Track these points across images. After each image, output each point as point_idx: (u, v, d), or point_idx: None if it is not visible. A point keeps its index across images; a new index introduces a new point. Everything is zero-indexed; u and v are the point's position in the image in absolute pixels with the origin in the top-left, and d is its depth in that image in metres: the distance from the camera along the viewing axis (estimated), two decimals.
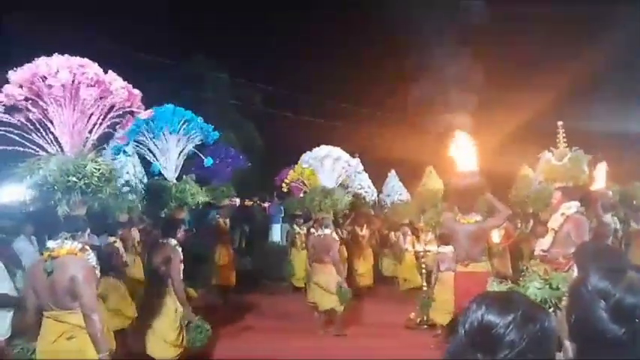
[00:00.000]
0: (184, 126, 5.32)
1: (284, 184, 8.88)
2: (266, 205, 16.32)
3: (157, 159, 5.40)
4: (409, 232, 10.01)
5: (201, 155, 5.60)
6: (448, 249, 6.69)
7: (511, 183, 9.50)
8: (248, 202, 15.38)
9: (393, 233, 10.93)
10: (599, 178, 7.21)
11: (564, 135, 5.89)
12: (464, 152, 5.67)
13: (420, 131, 14.57)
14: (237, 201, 12.69)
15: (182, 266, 5.07)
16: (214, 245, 9.59)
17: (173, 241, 5.09)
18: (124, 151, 5.62)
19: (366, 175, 12.66)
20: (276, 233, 14.69)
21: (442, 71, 9.87)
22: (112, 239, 6.02)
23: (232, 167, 9.92)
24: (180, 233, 5.23)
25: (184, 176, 5.49)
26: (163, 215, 5.44)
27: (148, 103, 5.21)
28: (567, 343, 1.81)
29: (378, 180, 12.88)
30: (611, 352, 1.07)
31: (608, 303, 1.08)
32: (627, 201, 8.77)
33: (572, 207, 5.15)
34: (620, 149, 10.74)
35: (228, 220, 9.99)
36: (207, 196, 5.88)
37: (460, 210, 5.58)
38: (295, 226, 10.67)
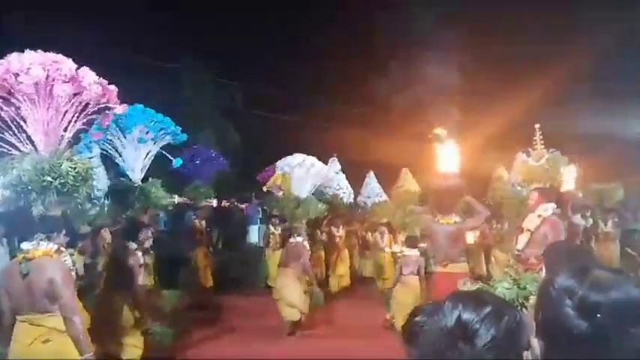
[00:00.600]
0: (152, 126, 5.25)
1: (264, 188, 8.88)
2: (244, 206, 16.27)
3: (122, 159, 5.32)
4: (387, 232, 10.09)
5: (169, 156, 5.51)
6: (414, 252, 6.75)
7: (488, 184, 9.65)
8: (226, 203, 15.30)
9: (370, 234, 11.01)
10: (569, 180, 7.40)
11: (541, 137, 6.02)
12: (445, 154, 5.73)
13: (399, 133, 14.73)
14: (215, 202, 12.63)
15: (142, 270, 4.99)
16: (190, 247, 9.53)
17: (133, 245, 5.00)
18: (89, 148, 5.52)
19: (344, 176, 12.76)
20: (254, 234, 14.62)
21: (421, 73, 9.97)
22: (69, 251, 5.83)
23: (212, 169, 9.87)
24: (144, 236, 5.14)
25: (150, 179, 5.41)
26: (125, 218, 5.35)
27: (129, 103, 5.16)
28: (534, 342, 1.88)
29: (358, 181, 12.98)
30: (576, 347, 1.12)
31: (574, 300, 1.13)
32: (599, 202, 8.97)
33: (549, 209, 5.24)
34: (592, 151, 10.98)
35: (204, 222, 9.93)
36: (173, 199, 5.79)
37: (440, 211, 5.60)
38: (271, 227, 10.65)
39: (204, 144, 15.45)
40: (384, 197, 11.75)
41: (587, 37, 13.00)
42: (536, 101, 11.79)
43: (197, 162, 9.79)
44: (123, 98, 4.13)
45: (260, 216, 14.68)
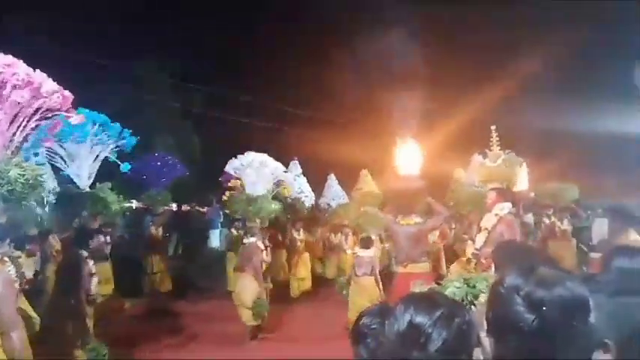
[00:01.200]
0: (99, 131, 5.11)
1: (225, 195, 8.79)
2: (205, 209, 16.06)
3: (67, 165, 5.16)
4: (351, 234, 10.12)
5: (117, 161, 5.37)
6: (367, 253, 6.78)
7: (446, 185, 9.82)
8: (186, 207, 15.06)
9: (333, 235, 11.06)
10: (522, 180, 7.61)
11: (497, 138, 6.17)
12: (406, 156, 5.77)
13: (359, 135, 14.85)
14: (174, 206, 12.43)
15: (93, 279, 4.88)
16: (148, 253, 9.36)
17: (84, 253, 4.88)
18: (35, 154, 5.33)
19: (305, 179, 12.76)
20: (215, 238, 14.47)
21: (380, 76, 10.08)
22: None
23: (170, 176, 9.71)
24: (95, 244, 5.02)
25: (98, 184, 5.26)
26: (75, 225, 5.19)
27: (82, 105, 5.00)
28: (485, 339, 1.94)
29: (321, 184, 13.00)
30: (525, 342, 1.16)
31: (521, 297, 1.18)
32: (554, 201, 9.15)
33: (505, 208, 5.37)
34: (548, 151, 11.31)
35: (161, 229, 9.76)
36: (131, 204, 5.65)
37: (401, 212, 5.64)
38: (233, 230, 10.55)
39: (161, 147, 15.19)
40: (347, 199, 11.82)
41: (543, 38, 13.46)
42: (494, 102, 12.07)
43: (154, 169, 9.61)
44: (80, 102, 4.00)
45: (221, 220, 14.53)
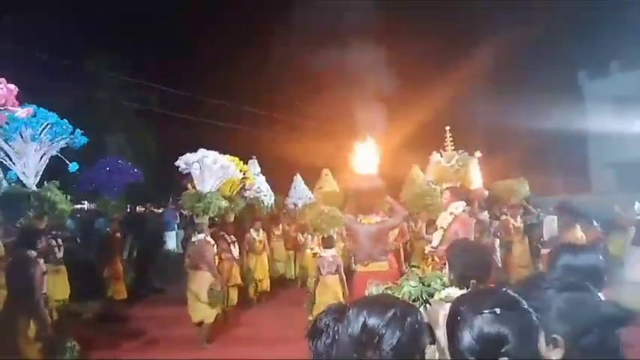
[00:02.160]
0: (47, 129, 4.93)
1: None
2: (160, 211, 15.69)
3: (13, 163, 4.94)
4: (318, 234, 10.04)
5: (66, 160, 5.18)
6: (329, 253, 6.82)
7: (402, 184, 9.94)
8: (140, 209, 14.66)
9: (300, 235, 11.02)
10: (476, 178, 7.79)
11: (451, 138, 6.28)
12: (365, 156, 5.78)
13: (321, 135, 14.88)
14: (128, 207, 12.07)
15: (46, 279, 4.74)
16: (102, 256, 9.10)
17: (33, 253, 4.70)
18: None
19: (264, 178, 12.65)
20: (172, 241, 14.16)
21: (340, 76, 10.12)
22: None
23: (123, 181, 9.43)
24: (44, 244, 4.87)
25: (45, 182, 5.05)
26: (19, 225, 4.97)
27: (26, 102, 4.78)
28: (441, 337, 1.96)
29: (284, 183, 12.93)
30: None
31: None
32: (505, 198, 9.37)
33: (460, 206, 5.48)
34: (495, 149, 11.63)
35: (119, 233, 9.50)
36: (72, 206, 5.44)
37: (361, 211, 5.66)
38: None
39: (114, 146, 14.76)
40: (313, 199, 11.80)
41: (493, 40, 13.86)
42: (448, 101, 12.33)
43: (104, 176, 9.29)
44: (21, 98, 3.83)
45: (178, 221, 14.24)
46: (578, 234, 6.33)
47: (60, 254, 8.29)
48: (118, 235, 9.46)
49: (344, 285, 6.77)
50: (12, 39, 11.92)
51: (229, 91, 18.43)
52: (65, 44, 14.75)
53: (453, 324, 1.28)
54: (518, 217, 8.90)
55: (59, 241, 8.42)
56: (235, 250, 8.77)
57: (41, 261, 4.74)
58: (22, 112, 4.45)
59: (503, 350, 1.19)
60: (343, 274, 6.85)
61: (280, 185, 13.02)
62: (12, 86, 4.04)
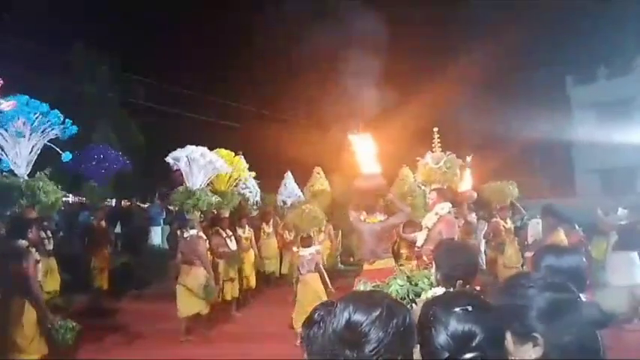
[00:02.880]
0: (39, 119, 4.92)
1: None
2: (146, 205, 15.58)
3: (5, 153, 4.92)
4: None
5: (58, 149, 5.16)
6: (308, 251, 6.85)
7: (392, 183, 9.97)
8: (126, 203, 14.53)
9: (287, 232, 10.99)
10: (466, 180, 7.84)
11: (439, 140, 6.31)
12: (366, 154, 5.77)
13: (313, 132, 14.88)
14: (113, 201, 11.97)
15: (39, 267, 4.76)
16: (89, 248, 9.12)
17: (24, 243, 4.70)
18: None
19: (250, 174, 12.59)
20: (157, 236, 14.05)
21: (334, 73, 10.13)
22: None
23: (112, 169, 9.36)
24: (34, 234, 4.85)
25: (38, 172, 5.03)
26: (10, 214, 4.94)
27: (15, 93, 4.72)
28: None
29: (272, 180, 12.87)
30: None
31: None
32: (495, 200, 9.41)
33: (445, 208, 5.51)
34: (486, 152, 11.70)
35: (104, 222, 9.42)
36: (68, 198, 5.44)
37: (364, 210, 5.67)
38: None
39: (102, 140, 14.58)
40: (302, 197, 11.78)
41: (481, 45, 13.97)
42: (437, 105, 12.41)
43: (95, 160, 9.23)
44: (8, 88, 3.79)
45: (164, 216, 14.13)
46: (561, 237, 6.42)
47: (50, 246, 8.29)
48: (104, 224, 9.39)
49: (325, 281, 6.82)
50: None
51: (219, 87, 18.36)
52: (53, 35, 14.57)
53: (426, 324, 1.30)
54: (508, 218, 8.94)
55: (49, 232, 8.39)
56: (232, 244, 8.76)
57: (33, 250, 4.74)
58: (5, 106, 4.40)
59: (473, 345, 1.22)
60: (323, 270, 6.89)
61: (272, 183, 12.95)
62: None
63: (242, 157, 12.52)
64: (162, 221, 14.17)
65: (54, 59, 14.47)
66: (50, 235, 8.44)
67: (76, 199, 10.20)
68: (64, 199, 5.17)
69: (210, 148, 8.19)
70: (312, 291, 6.57)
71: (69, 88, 15.21)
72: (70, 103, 15.77)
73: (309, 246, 6.94)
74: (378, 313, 1.25)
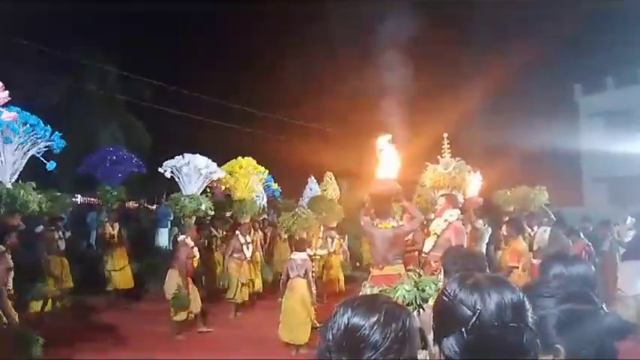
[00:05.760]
0: (25, 130, 5.03)
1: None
2: (153, 207, 15.65)
3: None
4: (315, 235, 9.98)
5: (44, 160, 5.24)
6: (300, 256, 6.85)
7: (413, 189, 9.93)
8: (133, 204, 14.60)
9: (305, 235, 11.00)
10: (473, 186, 7.82)
11: (449, 146, 6.28)
12: (386, 159, 5.73)
13: (322, 137, 14.89)
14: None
15: (11, 274, 4.90)
16: (104, 250, 9.36)
17: (1, 248, 4.87)
18: None
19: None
20: (164, 238, 14.11)
21: (358, 79, 10.15)
22: None
23: (125, 170, 9.44)
24: (13, 239, 5.06)
25: (19, 182, 5.13)
26: None
27: (21, 93, 4.76)
28: (432, 342, 1.96)
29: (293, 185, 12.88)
30: (467, 346, 1.18)
31: (458, 302, 1.20)
32: (520, 206, 9.29)
33: (454, 214, 5.49)
34: (494, 160, 11.67)
35: (117, 224, 9.54)
36: (45, 204, 5.52)
37: (378, 215, 5.61)
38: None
39: (109, 140, 14.66)
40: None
41: (490, 55, 13.98)
42: (447, 113, 12.40)
43: (109, 164, 9.32)
44: (17, 89, 3.84)
45: (171, 218, 14.17)
46: (565, 243, 6.39)
47: (63, 246, 8.43)
48: (117, 226, 9.50)
49: (311, 289, 6.82)
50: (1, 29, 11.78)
51: (231, 91, 18.40)
52: (59, 35, 14.62)
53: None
54: (535, 226, 8.69)
55: (61, 233, 8.52)
56: (248, 252, 8.93)
57: (8, 257, 4.89)
58: (7, 116, 4.46)
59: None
60: (311, 279, 6.89)
61: (292, 188, 12.93)
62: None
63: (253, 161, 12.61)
64: (169, 223, 14.23)
65: (61, 60, 14.52)
66: (62, 236, 8.58)
67: (85, 199, 10.27)
68: (72, 199, 5.22)
69: (219, 151, 8.30)
70: (298, 295, 6.57)
71: (76, 88, 15.30)
72: (78, 103, 15.92)
73: (302, 250, 6.95)
74: (377, 316, 1.23)
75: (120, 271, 9.38)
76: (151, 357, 6.27)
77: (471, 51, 14.65)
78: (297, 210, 7.30)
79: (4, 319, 4.65)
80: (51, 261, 8.27)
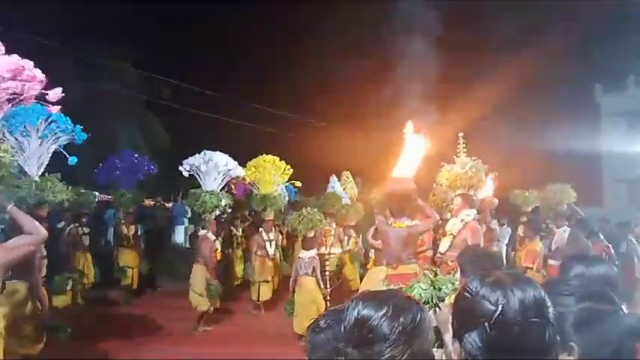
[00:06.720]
0: (48, 125, 5.15)
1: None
2: (170, 205, 15.79)
3: (19, 156, 5.12)
4: (331, 234, 9.99)
5: (66, 154, 5.34)
6: (308, 254, 6.91)
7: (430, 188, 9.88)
8: (150, 202, 14.73)
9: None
10: (488, 187, 7.75)
11: (464, 145, 6.20)
12: (408, 157, 5.69)
13: (338, 135, 14.86)
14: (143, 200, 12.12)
15: (44, 263, 5.11)
16: (120, 247, 9.50)
17: None
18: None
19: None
20: (180, 235, 14.25)
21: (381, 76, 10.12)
22: None
23: (138, 174, 9.55)
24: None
25: (47, 174, 5.25)
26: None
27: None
28: (448, 341, 1.93)
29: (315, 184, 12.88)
30: (488, 342, 1.16)
31: (480, 298, 1.19)
32: (546, 205, 9.18)
33: (471, 214, 5.42)
34: (514, 160, 11.55)
35: (133, 226, 9.65)
36: (72, 196, 5.64)
37: (392, 214, 5.58)
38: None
39: (128, 139, 14.79)
40: (348, 200, 11.74)
41: (510, 54, 13.83)
42: (465, 112, 12.29)
43: (122, 169, 9.43)
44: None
45: (189, 215, 14.31)
46: (586, 246, 6.29)
47: (87, 242, 8.62)
48: (133, 228, 9.63)
49: (320, 286, 6.88)
50: (8, 22, 11.93)
51: (250, 90, 18.43)
52: (75, 30, 14.78)
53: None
54: (562, 223, 8.49)
55: (85, 229, 8.70)
56: (271, 249, 9.05)
57: (42, 245, 4.89)
58: (54, 109, 4.54)
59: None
60: (319, 276, 6.93)
61: (312, 187, 12.92)
62: (39, 74, 4.03)
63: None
64: (186, 220, 14.36)
65: (77, 58, 14.71)
66: (86, 232, 8.75)
67: (102, 197, 10.39)
68: (68, 194, 5.37)
69: (238, 150, 8.40)
70: (307, 292, 6.68)
71: (93, 87, 15.47)
72: (95, 102, 16.09)
73: (310, 249, 7.01)
74: (386, 309, 1.25)
75: (132, 270, 9.51)
76: (176, 350, 6.47)
77: (491, 50, 14.49)
78: (302, 210, 7.34)
79: (39, 305, 4.76)
80: (76, 256, 8.48)
